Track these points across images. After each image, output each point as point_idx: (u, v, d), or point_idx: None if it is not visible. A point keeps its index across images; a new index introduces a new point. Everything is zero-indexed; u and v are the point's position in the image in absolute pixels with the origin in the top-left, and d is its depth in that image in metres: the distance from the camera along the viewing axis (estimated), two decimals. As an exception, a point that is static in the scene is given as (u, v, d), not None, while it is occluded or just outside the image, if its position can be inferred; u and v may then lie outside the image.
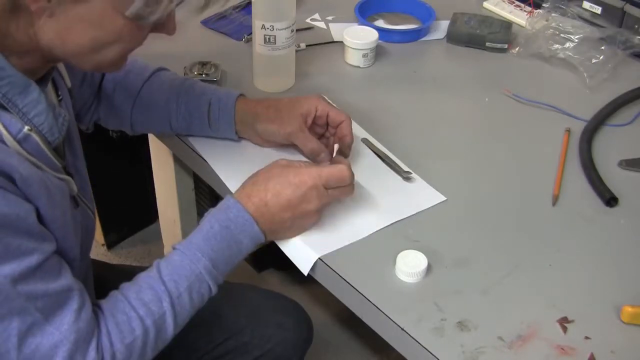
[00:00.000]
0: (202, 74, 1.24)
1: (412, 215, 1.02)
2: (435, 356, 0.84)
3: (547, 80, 1.33)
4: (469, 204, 1.05)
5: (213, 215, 0.92)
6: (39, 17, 0.74)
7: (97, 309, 0.85)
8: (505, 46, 1.38)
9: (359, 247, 0.97)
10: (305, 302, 1.33)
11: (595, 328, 0.88)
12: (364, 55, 1.32)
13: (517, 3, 1.50)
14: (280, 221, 0.94)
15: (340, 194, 0.97)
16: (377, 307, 0.89)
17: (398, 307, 0.89)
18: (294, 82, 1.27)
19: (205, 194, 1.64)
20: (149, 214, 1.90)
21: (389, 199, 1.04)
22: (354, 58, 1.33)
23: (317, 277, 0.97)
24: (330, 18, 1.47)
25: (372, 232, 0.99)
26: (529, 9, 1.47)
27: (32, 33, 0.76)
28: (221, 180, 1.06)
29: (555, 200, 1.06)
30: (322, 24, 1.45)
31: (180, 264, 0.89)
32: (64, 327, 0.79)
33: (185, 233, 1.56)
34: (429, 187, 1.06)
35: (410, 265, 0.92)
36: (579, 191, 1.08)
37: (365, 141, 1.14)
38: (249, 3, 1.29)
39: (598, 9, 1.39)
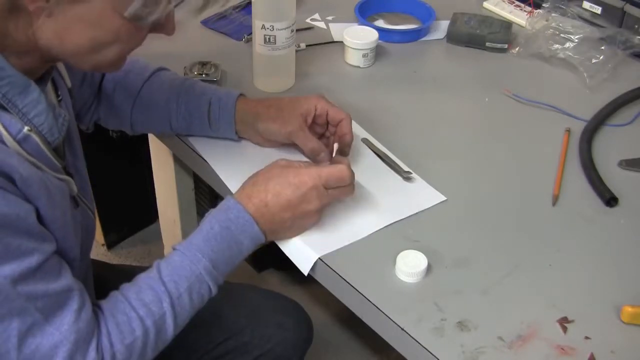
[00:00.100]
0: (202, 74, 1.24)
1: (412, 215, 1.02)
2: (435, 356, 0.84)
3: (547, 80, 1.33)
4: (469, 204, 1.05)
5: (213, 216, 0.92)
6: (38, 17, 0.74)
7: (97, 309, 0.85)
8: (505, 46, 1.38)
9: (359, 247, 0.97)
10: (305, 302, 1.33)
11: (595, 328, 0.88)
12: (364, 55, 1.32)
13: (517, 3, 1.50)
14: (281, 221, 0.94)
15: (341, 194, 0.97)
16: (377, 307, 0.89)
17: (398, 307, 0.89)
18: (294, 82, 1.27)
19: (205, 194, 1.64)
20: (149, 214, 1.90)
21: (389, 198, 1.04)
22: (354, 58, 1.33)
23: (317, 277, 0.97)
24: (330, 18, 1.47)
25: (372, 232, 0.99)
26: (529, 9, 1.47)
27: (31, 33, 0.76)
28: (221, 180, 1.06)
29: (555, 200, 1.06)
30: (322, 24, 1.45)
31: (180, 265, 0.89)
32: (64, 327, 0.79)
33: (185, 233, 1.56)
34: (429, 187, 1.06)
35: (410, 265, 0.92)
36: (579, 191, 1.08)
37: (365, 141, 1.14)
38: (249, 3, 1.29)
39: (598, 9, 1.39)
